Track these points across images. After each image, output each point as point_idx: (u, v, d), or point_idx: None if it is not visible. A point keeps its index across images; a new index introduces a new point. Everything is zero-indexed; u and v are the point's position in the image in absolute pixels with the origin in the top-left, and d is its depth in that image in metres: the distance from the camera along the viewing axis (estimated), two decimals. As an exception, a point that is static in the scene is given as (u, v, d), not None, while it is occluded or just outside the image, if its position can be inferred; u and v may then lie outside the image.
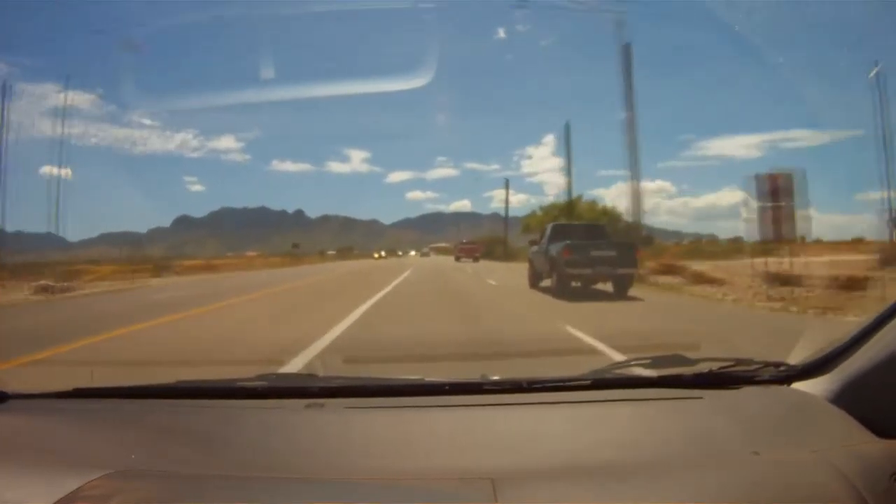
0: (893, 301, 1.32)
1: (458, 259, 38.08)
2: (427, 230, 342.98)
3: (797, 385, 1.48)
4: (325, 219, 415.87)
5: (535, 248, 14.69)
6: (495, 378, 1.64)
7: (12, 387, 1.72)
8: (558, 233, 13.65)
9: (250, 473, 1.17)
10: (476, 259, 36.73)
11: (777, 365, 1.57)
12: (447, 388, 1.61)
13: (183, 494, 1.09)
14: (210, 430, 1.47)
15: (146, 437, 1.43)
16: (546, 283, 13.20)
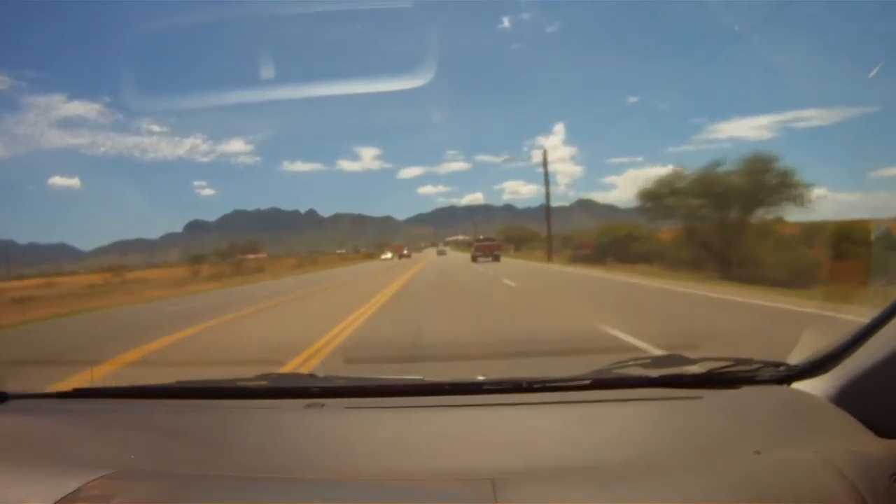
0: (893, 300, 1.30)
1: (475, 259, 32.51)
2: (441, 224, 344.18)
3: (797, 385, 1.48)
4: (338, 217, 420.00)
5: None
6: (495, 378, 1.63)
7: (12, 387, 1.72)
8: None
9: (250, 473, 1.17)
10: (497, 258, 32.03)
11: (777, 365, 1.56)
12: (447, 387, 1.61)
13: (183, 494, 1.09)
14: (210, 431, 1.47)
15: (146, 437, 1.43)
16: None
